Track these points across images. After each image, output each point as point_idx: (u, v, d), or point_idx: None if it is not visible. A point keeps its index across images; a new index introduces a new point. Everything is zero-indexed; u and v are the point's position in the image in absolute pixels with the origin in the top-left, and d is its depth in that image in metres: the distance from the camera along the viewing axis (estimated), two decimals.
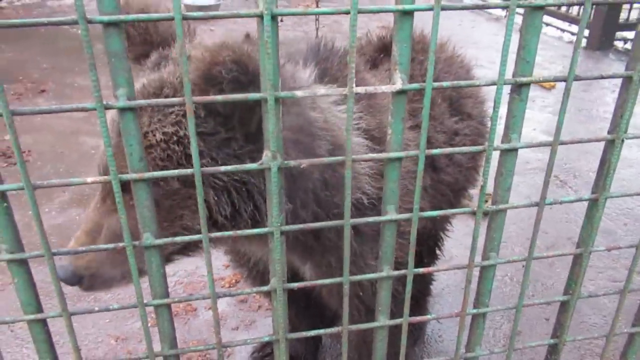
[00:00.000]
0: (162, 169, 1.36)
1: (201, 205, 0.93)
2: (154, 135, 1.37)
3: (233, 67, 1.21)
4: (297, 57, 1.81)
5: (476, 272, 1.15)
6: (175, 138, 1.38)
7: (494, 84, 0.98)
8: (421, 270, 1.14)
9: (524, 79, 0.99)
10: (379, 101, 1.91)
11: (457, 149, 1.04)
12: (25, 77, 6.36)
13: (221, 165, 1.37)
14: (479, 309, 1.22)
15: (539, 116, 5.63)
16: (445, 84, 0.98)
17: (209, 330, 2.75)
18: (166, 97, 1.41)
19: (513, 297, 3.03)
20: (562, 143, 1.08)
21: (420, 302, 2.79)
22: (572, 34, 8.77)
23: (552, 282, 3.14)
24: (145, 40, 1.60)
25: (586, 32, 8.14)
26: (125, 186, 1.26)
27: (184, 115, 1.38)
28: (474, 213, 1.08)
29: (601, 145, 1.16)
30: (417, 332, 2.74)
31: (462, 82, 0.99)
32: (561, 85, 6.49)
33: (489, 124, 2.48)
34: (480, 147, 1.05)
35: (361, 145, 1.71)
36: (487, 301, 1.23)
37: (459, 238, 3.29)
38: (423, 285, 2.83)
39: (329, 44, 1.95)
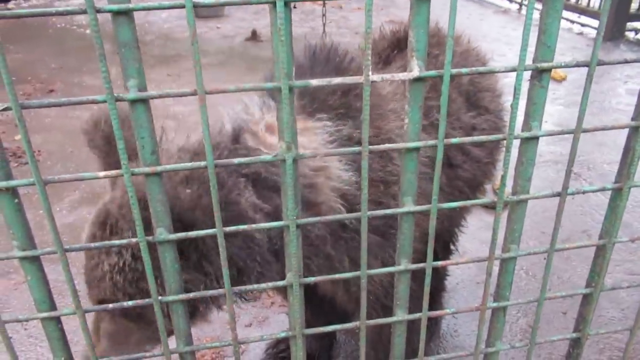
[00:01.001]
0: (111, 301, 1.40)
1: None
2: (101, 268, 1.41)
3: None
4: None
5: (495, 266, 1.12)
6: (116, 269, 1.40)
7: (514, 69, 0.95)
8: (440, 263, 1.12)
9: (545, 65, 0.96)
10: (374, 109, 1.84)
11: (475, 138, 1.01)
12: (33, 78, 6.39)
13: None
14: (499, 302, 1.19)
15: (550, 109, 5.56)
16: (464, 70, 0.95)
17: (222, 327, 2.74)
18: (112, 227, 1.41)
19: (529, 291, 2.99)
20: (585, 131, 1.04)
21: (435, 297, 2.75)
22: (582, 25, 8.66)
23: (569, 276, 3.09)
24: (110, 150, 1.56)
25: (596, 23, 8.03)
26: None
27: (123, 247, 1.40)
28: (493, 207, 1.05)
29: (616, 137, 1.13)
30: (432, 327, 2.70)
31: (481, 68, 0.96)
32: (571, 78, 6.41)
33: (506, 117, 2.43)
34: (500, 136, 1.02)
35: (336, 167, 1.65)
36: (508, 294, 1.20)
37: (473, 232, 3.25)
38: (438, 280, 2.80)
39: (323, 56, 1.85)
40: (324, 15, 6.39)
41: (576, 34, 8.48)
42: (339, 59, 1.86)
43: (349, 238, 1.72)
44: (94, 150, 1.59)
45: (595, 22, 8.38)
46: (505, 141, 1.01)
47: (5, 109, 0.81)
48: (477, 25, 8.98)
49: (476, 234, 3.34)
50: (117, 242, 0.94)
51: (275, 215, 1.43)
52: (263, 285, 1.07)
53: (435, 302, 2.74)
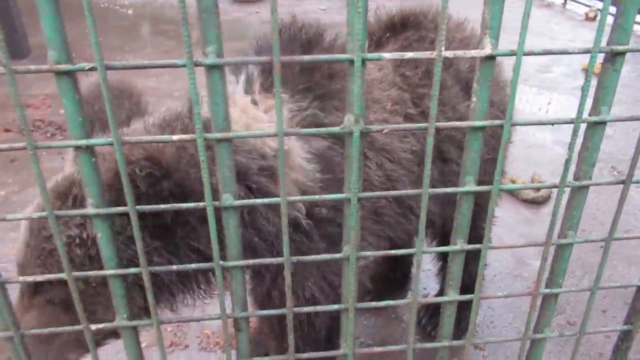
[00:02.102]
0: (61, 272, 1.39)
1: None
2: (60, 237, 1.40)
3: (146, 164, 1.27)
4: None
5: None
6: (77, 241, 1.38)
7: (588, 51, 0.94)
8: (496, 246, 1.11)
9: (621, 48, 0.94)
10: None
11: (544, 120, 1.00)
12: (78, 55, 6.53)
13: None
14: (552, 288, 1.19)
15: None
16: (536, 50, 0.94)
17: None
18: (74, 197, 1.40)
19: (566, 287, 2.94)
20: None
21: (470, 289, 2.72)
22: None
23: (609, 274, 3.04)
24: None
25: None
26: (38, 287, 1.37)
27: (89, 219, 1.38)
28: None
29: None
30: (463, 322, 2.56)
31: (554, 49, 0.95)
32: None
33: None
34: (567, 119, 1.01)
35: (300, 150, 1.61)
36: (561, 281, 1.19)
37: (511, 225, 3.22)
38: (476, 270, 2.76)
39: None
40: None
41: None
42: (307, 36, 1.82)
43: (298, 241, 1.65)
44: (94, 118, 1.58)
45: None
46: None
47: (91, 69, 0.84)
48: (519, 18, 8.78)
49: (515, 227, 3.31)
50: (188, 204, 0.97)
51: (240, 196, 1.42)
52: (319, 257, 1.08)
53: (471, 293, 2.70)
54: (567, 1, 9.71)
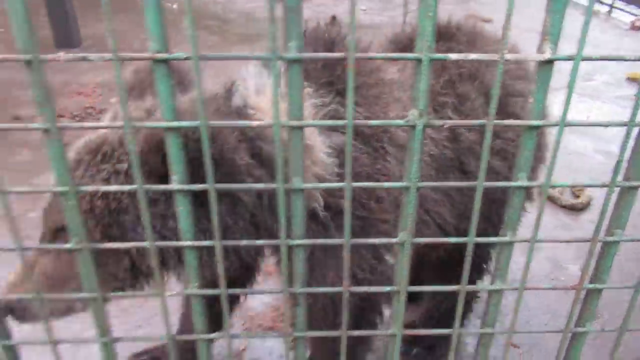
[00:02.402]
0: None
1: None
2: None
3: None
4: None
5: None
6: (100, 194, 1.48)
7: None
8: (544, 240, 1.17)
9: None
10: (373, 91, 1.83)
11: (597, 122, 1.06)
12: (126, 46, 6.77)
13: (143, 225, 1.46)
14: (596, 284, 1.24)
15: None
16: (594, 56, 1.00)
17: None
18: (104, 155, 1.52)
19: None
20: None
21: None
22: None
23: None
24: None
25: None
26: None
27: (114, 174, 1.51)
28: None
29: None
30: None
31: (611, 56, 1.00)
32: None
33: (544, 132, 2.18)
34: (620, 121, 1.06)
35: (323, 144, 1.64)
36: (606, 278, 1.24)
37: (549, 230, 3.23)
38: (466, 300, 2.76)
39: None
40: (405, 5, 6.39)
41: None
42: (330, 35, 1.88)
43: (315, 230, 1.71)
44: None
45: None
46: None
47: (186, 59, 0.94)
48: (566, 26, 8.64)
49: (552, 232, 3.32)
50: (259, 185, 1.06)
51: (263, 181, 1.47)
52: (376, 240, 1.16)
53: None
54: (613, 9, 9.51)
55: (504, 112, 2.13)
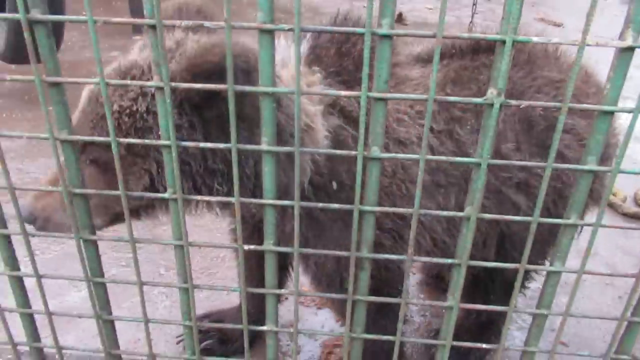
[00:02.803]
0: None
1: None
2: (112, 106, 1.55)
3: (244, 57, 1.41)
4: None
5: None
6: (128, 111, 1.56)
7: None
8: (608, 225, 1.21)
9: None
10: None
11: (625, 108, 1.08)
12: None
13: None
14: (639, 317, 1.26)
15: None
16: None
17: None
18: (133, 78, 1.61)
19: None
20: None
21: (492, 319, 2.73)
22: None
23: None
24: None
25: None
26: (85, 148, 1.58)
27: (141, 95, 1.58)
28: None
29: None
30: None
31: None
32: None
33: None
34: None
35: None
36: None
37: (608, 236, 3.18)
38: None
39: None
40: (474, 4, 6.32)
41: None
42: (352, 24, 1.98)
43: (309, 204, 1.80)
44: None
45: None
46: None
47: (289, 29, 1.04)
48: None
49: (611, 239, 3.26)
50: (342, 151, 1.14)
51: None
52: (445, 212, 1.23)
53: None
54: None
55: (545, 146, 2.08)
